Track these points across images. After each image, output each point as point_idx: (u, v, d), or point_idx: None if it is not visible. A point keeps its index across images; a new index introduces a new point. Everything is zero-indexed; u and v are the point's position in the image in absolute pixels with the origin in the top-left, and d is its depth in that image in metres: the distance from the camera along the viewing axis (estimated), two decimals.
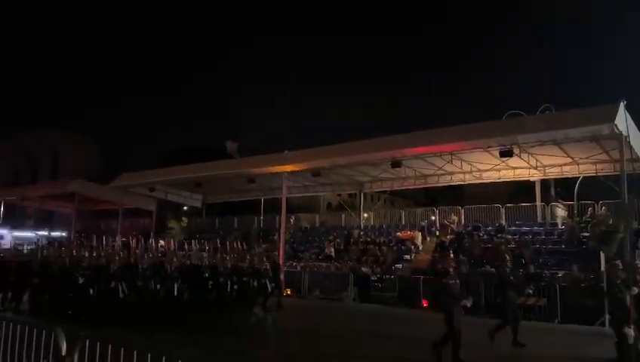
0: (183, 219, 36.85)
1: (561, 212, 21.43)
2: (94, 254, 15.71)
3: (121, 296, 13.57)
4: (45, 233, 42.70)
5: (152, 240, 20.78)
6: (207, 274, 16.03)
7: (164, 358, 3.92)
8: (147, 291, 14.52)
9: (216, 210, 34.78)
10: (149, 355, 4.03)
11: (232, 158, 39.30)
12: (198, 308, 14.33)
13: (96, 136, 57.63)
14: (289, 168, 21.73)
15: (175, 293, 15.20)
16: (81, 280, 13.31)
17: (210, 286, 15.62)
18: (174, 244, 18.40)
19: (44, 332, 5.18)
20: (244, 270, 16.67)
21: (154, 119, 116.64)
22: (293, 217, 29.32)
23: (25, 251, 21.33)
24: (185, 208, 36.70)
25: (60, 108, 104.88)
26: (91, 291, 13.37)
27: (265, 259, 18.19)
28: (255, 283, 16.28)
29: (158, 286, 15.10)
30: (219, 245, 19.08)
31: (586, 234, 17.66)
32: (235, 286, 16.07)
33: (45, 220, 45.99)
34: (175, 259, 16.94)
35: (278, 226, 23.49)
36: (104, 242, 18.80)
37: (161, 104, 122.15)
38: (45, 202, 36.78)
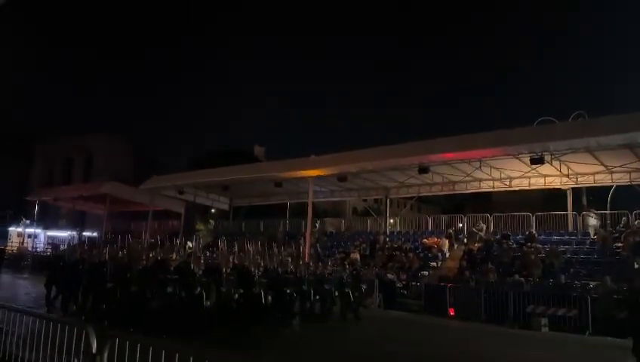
0: (211, 221, 37.35)
1: (593, 221, 20.88)
2: (174, 257, 13.25)
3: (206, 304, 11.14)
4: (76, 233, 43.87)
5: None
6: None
7: (191, 359, 3.99)
8: (230, 298, 11.81)
9: (243, 213, 35.14)
10: (177, 356, 4.10)
11: (259, 162, 39.75)
12: (284, 319, 12.40)
13: (129, 137, 58.65)
14: (315, 173, 21.78)
15: (260, 301, 12.19)
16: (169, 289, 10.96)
17: (293, 296, 12.99)
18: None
19: (75, 329, 5.33)
20: (326, 278, 14.54)
21: (187, 122, 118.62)
22: (318, 222, 29.36)
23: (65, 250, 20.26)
24: (212, 211, 37.20)
25: (96, 111, 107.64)
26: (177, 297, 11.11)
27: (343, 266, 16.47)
28: (336, 293, 14.41)
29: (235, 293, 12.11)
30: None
31: (619, 244, 17.17)
32: (317, 296, 13.78)
33: (77, 220, 47.23)
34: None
35: (304, 230, 23.55)
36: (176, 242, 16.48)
37: (193, 107, 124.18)
38: (78, 203, 37.78)
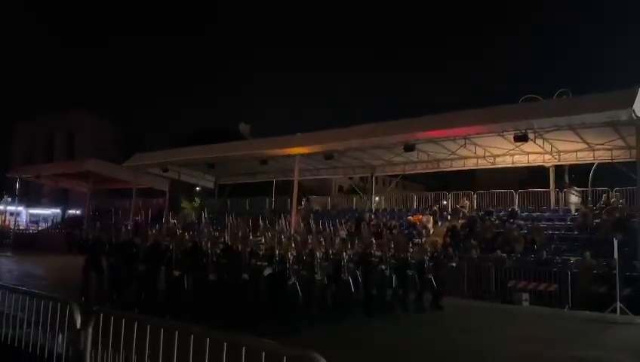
0: (196, 199, 37.18)
1: (574, 198, 21.23)
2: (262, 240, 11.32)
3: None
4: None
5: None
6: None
7: (176, 333, 3.99)
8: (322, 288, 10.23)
9: (228, 191, 34.99)
10: (162, 330, 4.11)
11: (245, 140, 39.47)
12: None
13: (112, 117, 57.77)
14: (301, 150, 21.72)
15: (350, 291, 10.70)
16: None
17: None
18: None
19: (59, 305, 5.29)
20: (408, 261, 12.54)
21: (169, 102, 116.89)
22: (304, 200, 29.38)
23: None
24: (197, 189, 37.01)
25: (78, 90, 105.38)
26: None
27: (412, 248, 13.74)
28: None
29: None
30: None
31: (599, 220, 17.50)
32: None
33: (60, 198, 46.73)
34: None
35: (290, 208, 23.58)
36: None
37: (176, 87, 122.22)
38: (61, 181, 37.35)
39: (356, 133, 20.40)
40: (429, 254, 13.35)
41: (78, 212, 41.88)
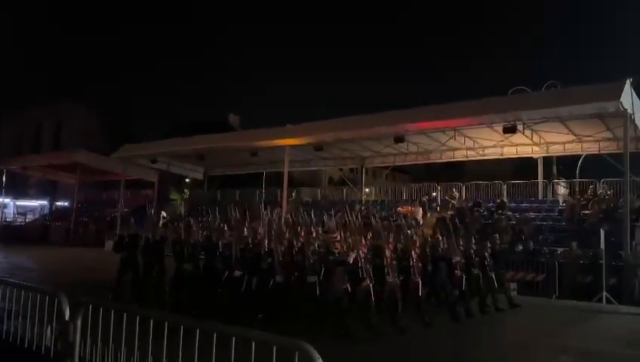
0: (185, 191, 37.02)
1: (562, 189, 21.46)
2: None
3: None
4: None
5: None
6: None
7: (166, 323, 3.99)
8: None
9: (218, 182, 34.86)
10: (152, 320, 4.10)
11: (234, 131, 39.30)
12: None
13: (101, 108, 56.85)
14: (291, 142, 21.66)
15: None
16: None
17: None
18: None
19: (47, 297, 5.26)
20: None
21: (161, 93, 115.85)
22: (294, 191, 29.38)
23: None
24: (187, 180, 36.83)
25: (67, 80, 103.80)
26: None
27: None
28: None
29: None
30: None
31: (586, 211, 17.70)
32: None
33: (48, 190, 46.21)
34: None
35: (280, 200, 23.55)
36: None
37: (166, 79, 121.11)
38: (48, 172, 36.92)
39: (346, 125, 20.38)
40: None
41: (66, 204, 41.50)
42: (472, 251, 11.08)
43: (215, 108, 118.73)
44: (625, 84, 13.93)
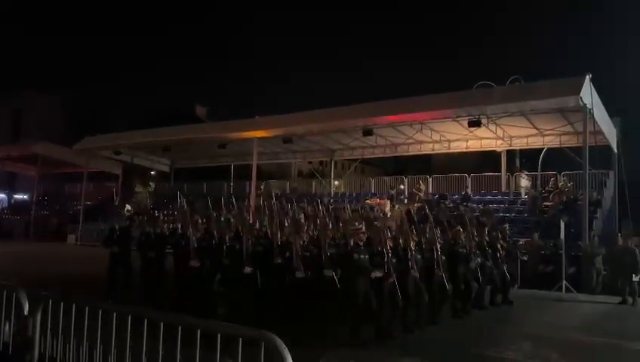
0: (150, 183, 36.36)
1: (524, 182, 22.02)
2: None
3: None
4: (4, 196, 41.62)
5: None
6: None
7: (130, 316, 3.92)
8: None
9: (185, 175, 34.36)
10: (115, 314, 4.02)
11: (201, 123, 38.73)
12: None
13: (64, 96, 54.89)
14: (260, 134, 21.54)
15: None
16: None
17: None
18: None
19: (5, 292, 5.09)
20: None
21: (123, 84, 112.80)
22: (263, 184, 29.25)
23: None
24: (152, 172, 36.16)
25: (28, 69, 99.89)
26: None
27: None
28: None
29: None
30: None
31: (547, 203, 18.23)
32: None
33: (6, 182, 44.61)
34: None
35: (248, 192, 23.41)
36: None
37: (131, 69, 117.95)
38: (7, 164, 35.65)
39: (315, 117, 20.39)
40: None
41: (25, 197, 40.20)
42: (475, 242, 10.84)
43: (186, 97, 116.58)
44: (584, 79, 14.39)
